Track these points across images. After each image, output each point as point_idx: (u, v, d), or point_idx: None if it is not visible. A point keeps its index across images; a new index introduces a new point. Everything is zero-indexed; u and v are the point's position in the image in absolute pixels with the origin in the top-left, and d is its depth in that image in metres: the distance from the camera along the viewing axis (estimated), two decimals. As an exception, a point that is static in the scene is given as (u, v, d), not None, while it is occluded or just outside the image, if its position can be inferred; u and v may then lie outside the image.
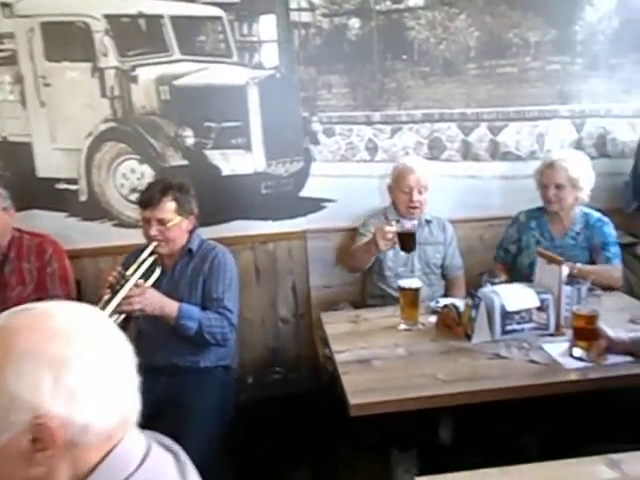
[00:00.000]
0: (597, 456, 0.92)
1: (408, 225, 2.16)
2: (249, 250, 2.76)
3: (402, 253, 2.50)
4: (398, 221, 2.24)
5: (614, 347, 1.71)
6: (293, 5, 2.60)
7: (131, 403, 0.78)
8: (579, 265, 2.20)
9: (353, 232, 2.73)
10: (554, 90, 2.88)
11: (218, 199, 2.68)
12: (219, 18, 2.54)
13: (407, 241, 2.14)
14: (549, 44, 2.84)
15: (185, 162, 2.64)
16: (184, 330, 1.92)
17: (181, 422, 1.83)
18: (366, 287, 2.67)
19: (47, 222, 2.57)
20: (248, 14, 2.57)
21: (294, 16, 2.61)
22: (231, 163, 2.68)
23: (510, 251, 2.56)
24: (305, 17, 2.63)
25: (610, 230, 2.41)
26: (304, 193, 2.79)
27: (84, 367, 0.72)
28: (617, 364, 1.68)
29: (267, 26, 2.59)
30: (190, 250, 2.09)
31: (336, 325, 2.08)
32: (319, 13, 2.64)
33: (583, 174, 2.37)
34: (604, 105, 2.94)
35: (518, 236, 2.54)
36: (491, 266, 2.65)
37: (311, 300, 2.81)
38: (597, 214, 2.45)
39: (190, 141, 2.62)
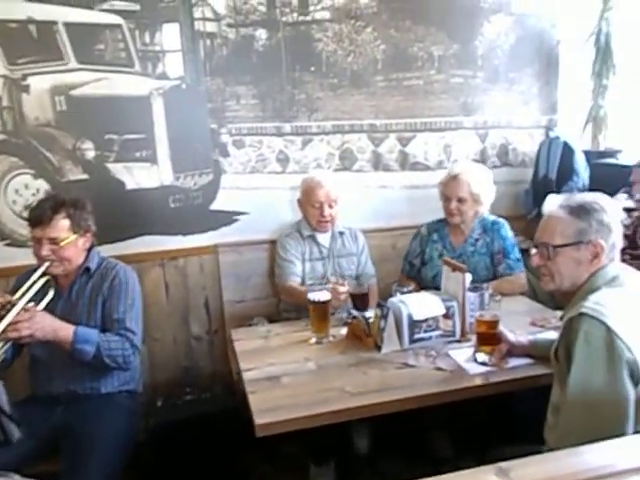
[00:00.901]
0: (487, 465, 0.93)
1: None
2: (158, 267, 2.65)
3: (317, 267, 2.51)
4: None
5: (515, 350, 1.78)
6: (197, 14, 2.53)
7: None
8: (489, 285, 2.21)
9: (271, 245, 2.70)
10: (458, 102, 2.99)
11: (123, 214, 2.56)
12: (118, 26, 2.43)
13: (360, 301, 2.12)
14: (452, 58, 2.94)
15: (85, 176, 2.50)
16: (81, 355, 1.79)
17: (80, 454, 1.72)
18: (281, 301, 2.63)
19: None
20: (150, 23, 2.47)
21: (199, 26, 2.55)
22: (136, 177, 2.57)
23: (415, 264, 2.59)
24: (210, 27, 2.57)
25: (507, 232, 2.46)
26: (215, 206, 2.72)
27: None
28: (517, 367, 1.74)
29: (170, 35, 2.51)
30: (88, 269, 1.97)
31: (246, 342, 2.03)
32: (224, 23, 2.59)
33: (485, 189, 2.43)
34: (505, 117, 3.09)
35: (421, 249, 2.57)
36: (400, 275, 2.69)
37: (225, 316, 2.74)
38: (492, 217, 2.50)
39: (90, 154, 2.49)
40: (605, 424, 1.21)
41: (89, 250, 1.99)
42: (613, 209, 1.44)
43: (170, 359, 2.72)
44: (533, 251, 1.51)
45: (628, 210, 2.54)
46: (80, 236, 1.91)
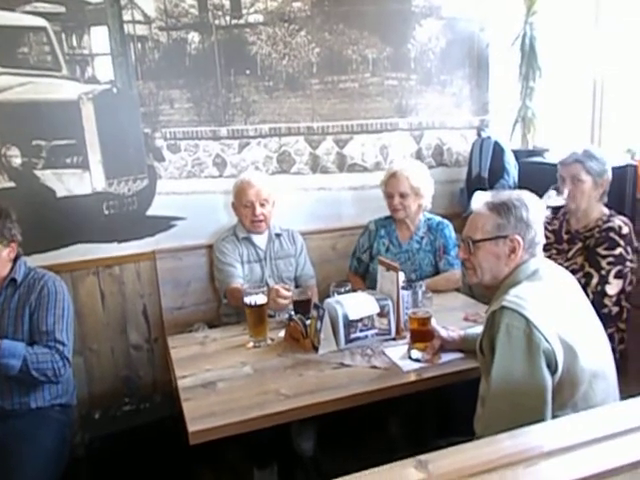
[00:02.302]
0: (407, 459, 0.95)
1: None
2: (93, 275, 2.58)
3: (255, 269, 2.51)
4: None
5: (447, 345, 1.83)
6: (126, 17, 2.48)
7: None
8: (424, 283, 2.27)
9: (209, 250, 2.68)
10: (393, 104, 3.05)
11: (55, 223, 2.48)
12: (43, 29, 2.35)
13: (302, 307, 2.10)
14: (386, 61, 2.99)
15: (12, 184, 2.40)
16: (6, 369, 1.72)
17: (10, 472, 1.65)
18: (220, 306, 2.61)
19: None
20: (76, 25, 2.40)
21: (128, 29, 2.50)
22: (66, 184, 2.49)
23: (363, 260, 2.66)
24: (140, 30, 2.52)
25: (450, 232, 2.58)
26: (151, 212, 2.67)
27: None
28: (449, 361, 1.79)
29: (99, 39, 2.45)
30: (14, 280, 1.89)
31: (183, 349, 2.00)
32: (155, 26, 2.55)
33: (424, 182, 2.53)
34: (439, 118, 3.17)
35: (369, 244, 2.64)
36: (345, 275, 2.73)
37: (164, 323, 2.69)
38: (438, 218, 2.63)
39: (17, 161, 2.40)
40: (526, 412, 1.26)
41: (15, 261, 1.91)
42: (534, 206, 1.51)
43: (108, 370, 2.65)
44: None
45: (556, 207, 2.66)
46: (4, 246, 1.84)
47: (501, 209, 1.47)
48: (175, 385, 2.22)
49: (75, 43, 2.42)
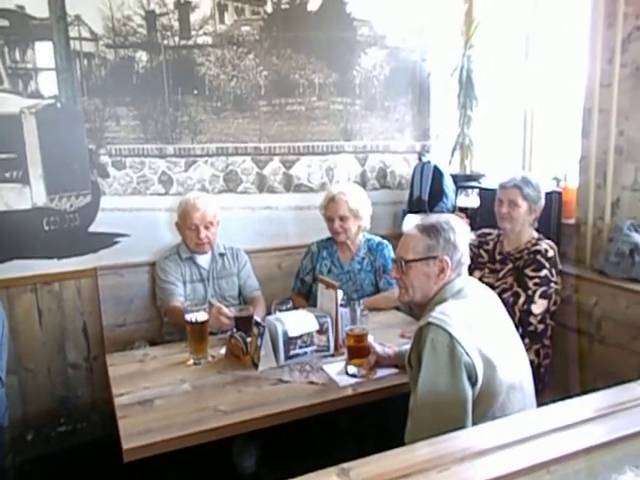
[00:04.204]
0: (330, 467, 0.99)
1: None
2: (30, 292, 2.52)
3: (198, 289, 2.52)
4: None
5: (382, 361, 1.90)
6: (73, 34, 2.49)
7: None
8: (363, 301, 2.33)
9: (152, 267, 2.67)
10: (339, 127, 3.15)
11: (-9, 238, 2.43)
12: (-16, 41, 2.33)
13: (243, 323, 2.11)
14: (332, 86, 3.09)
15: (-54, 198, 2.35)
16: None
17: None
18: (163, 324, 2.60)
19: None
20: (20, 39, 2.39)
21: (74, 45, 2.50)
22: (5, 198, 2.45)
23: (306, 281, 2.70)
24: (87, 47, 2.53)
25: (389, 252, 2.64)
26: (94, 228, 2.65)
27: None
28: (384, 376, 1.86)
29: (44, 53, 2.44)
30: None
31: (122, 366, 1.99)
32: (102, 44, 2.56)
33: (362, 204, 2.60)
34: (382, 142, 3.29)
35: (312, 266, 2.68)
36: (289, 293, 2.76)
37: (105, 341, 2.65)
38: (378, 239, 2.69)
39: (-47, 174, 2.35)
40: (448, 422, 1.33)
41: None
42: (461, 229, 1.61)
43: (44, 389, 2.58)
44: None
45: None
46: None
47: (431, 231, 1.56)
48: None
49: (18, 57, 2.41)
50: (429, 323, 1.41)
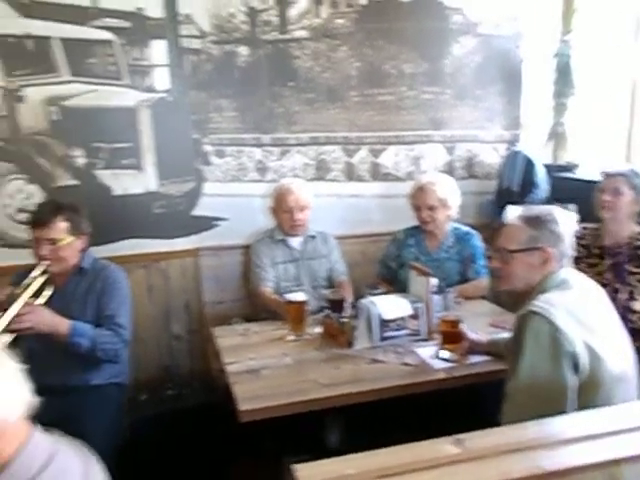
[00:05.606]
0: (446, 437, 1.08)
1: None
2: (141, 269, 2.77)
3: (290, 269, 2.66)
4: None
5: (475, 348, 1.96)
6: (184, 32, 2.68)
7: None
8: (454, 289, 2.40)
9: (245, 250, 2.83)
10: (428, 117, 3.18)
11: (110, 218, 2.67)
12: (110, 42, 2.57)
13: (336, 306, 2.23)
14: (422, 76, 3.13)
15: (75, 182, 2.62)
16: (76, 348, 1.92)
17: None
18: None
19: None
20: (139, 39, 2.61)
21: (184, 42, 2.69)
22: (122, 183, 2.70)
23: (391, 267, 2.75)
24: (195, 44, 2.72)
25: (477, 242, 2.66)
26: (196, 212, 2.85)
27: None
28: (477, 363, 1.92)
29: (158, 51, 2.66)
30: (82, 269, 2.10)
31: (227, 339, 2.17)
32: (209, 40, 2.74)
33: (450, 194, 2.63)
34: (471, 131, 3.28)
35: (398, 253, 2.73)
36: (373, 279, 2.84)
37: (204, 316, 2.86)
38: (465, 228, 2.71)
39: (80, 161, 2.61)
40: (548, 407, 1.38)
41: (83, 251, 2.11)
42: (566, 221, 1.62)
43: (151, 358, 2.83)
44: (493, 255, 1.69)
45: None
46: (77, 238, 2.05)
47: (535, 222, 1.58)
48: (216, 375, 2.39)
49: (137, 55, 2.63)
50: (531, 311, 1.45)
